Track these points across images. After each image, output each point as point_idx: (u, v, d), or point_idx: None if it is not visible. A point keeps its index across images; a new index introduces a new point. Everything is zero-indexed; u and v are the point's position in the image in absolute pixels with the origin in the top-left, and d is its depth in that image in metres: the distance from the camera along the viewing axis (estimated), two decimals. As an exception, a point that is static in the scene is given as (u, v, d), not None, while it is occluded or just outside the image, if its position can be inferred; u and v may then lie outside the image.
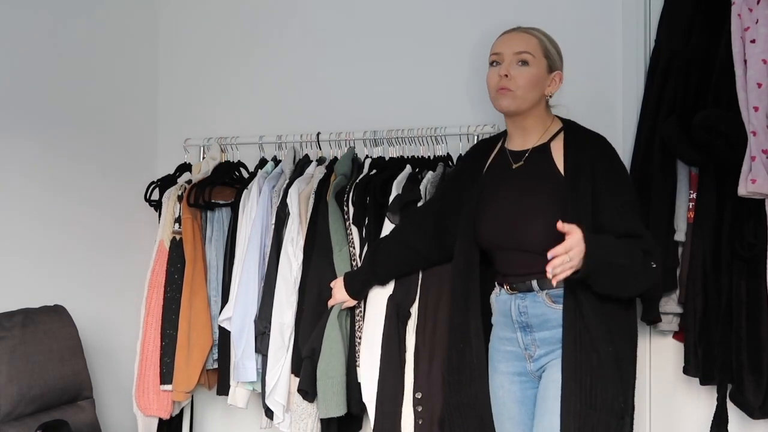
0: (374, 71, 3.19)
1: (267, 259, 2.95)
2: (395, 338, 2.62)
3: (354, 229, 2.79)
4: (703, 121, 2.44)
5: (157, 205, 3.27)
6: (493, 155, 2.45)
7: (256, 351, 2.94)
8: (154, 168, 3.54)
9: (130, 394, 3.15)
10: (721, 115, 2.43)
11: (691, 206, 2.59)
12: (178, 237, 3.12)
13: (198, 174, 3.24)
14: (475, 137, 2.79)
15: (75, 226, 3.20)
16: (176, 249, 3.12)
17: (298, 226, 2.88)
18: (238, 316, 2.95)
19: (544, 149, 2.33)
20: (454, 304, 2.44)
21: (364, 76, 3.21)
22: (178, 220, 3.13)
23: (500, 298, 2.36)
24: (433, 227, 2.55)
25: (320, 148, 3.11)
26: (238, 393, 3.00)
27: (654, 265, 2.16)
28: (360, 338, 2.72)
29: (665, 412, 2.76)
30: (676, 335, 2.69)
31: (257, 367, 2.94)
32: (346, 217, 2.80)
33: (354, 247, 2.79)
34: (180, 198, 3.14)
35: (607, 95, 2.82)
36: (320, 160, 3.08)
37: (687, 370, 2.58)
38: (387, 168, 2.88)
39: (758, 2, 2.40)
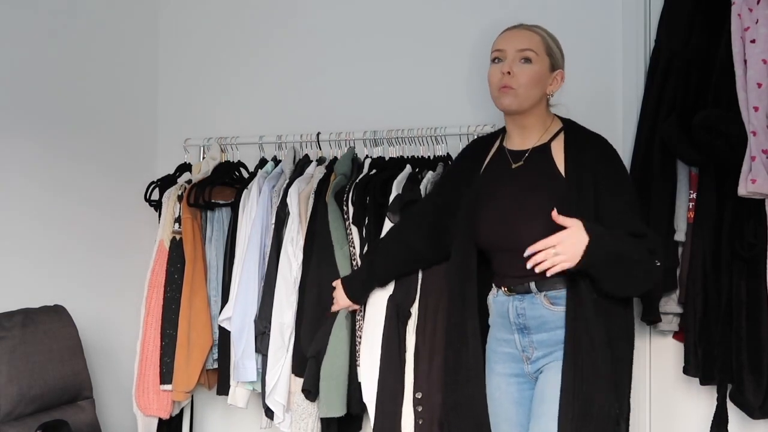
0: (374, 71, 3.19)
1: (267, 259, 2.95)
2: (395, 338, 2.62)
3: (354, 229, 2.80)
4: (703, 121, 2.44)
5: (157, 205, 3.27)
6: (491, 154, 2.43)
7: (256, 351, 2.94)
8: (154, 168, 3.54)
9: (130, 394, 3.15)
10: (721, 115, 2.43)
11: (691, 206, 2.59)
12: (178, 237, 3.12)
13: (198, 174, 3.24)
14: (475, 137, 2.79)
15: (75, 226, 3.20)
16: (176, 249, 3.12)
17: (297, 225, 2.88)
18: (238, 315, 2.95)
19: (544, 149, 2.31)
20: (451, 304, 2.42)
21: (364, 76, 3.21)
22: (178, 220, 3.13)
23: (498, 300, 2.35)
24: (431, 225, 2.54)
25: (320, 148, 3.11)
26: (238, 393, 3.00)
27: (658, 264, 2.15)
28: (360, 338, 2.72)
29: (665, 412, 2.76)
30: (676, 335, 2.69)
31: (257, 367, 2.94)
32: (345, 216, 2.80)
33: (354, 247, 2.79)
34: (180, 198, 3.14)
35: (607, 95, 2.82)
36: (320, 160, 3.08)
37: (687, 370, 2.58)
38: (387, 168, 2.88)
39: (758, 2, 2.40)
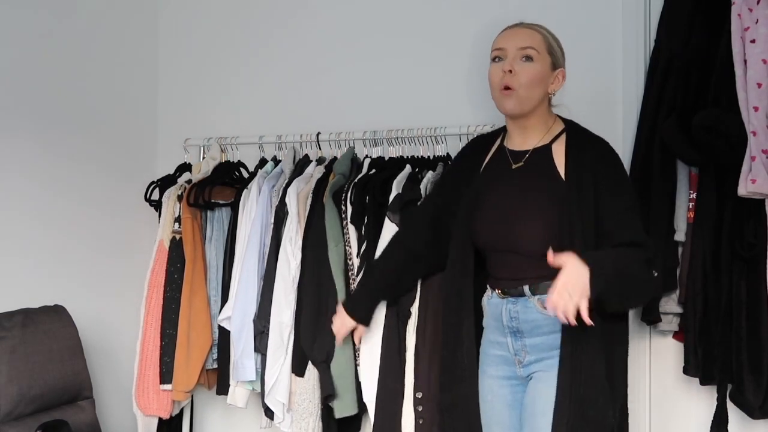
0: (374, 71, 3.18)
1: (266, 259, 2.95)
2: (395, 338, 2.62)
3: (351, 228, 2.79)
4: (703, 121, 2.44)
5: (157, 205, 3.27)
6: (491, 153, 2.41)
7: (255, 350, 2.94)
8: (154, 168, 3.54)
9: (130, 393, 3.15)
10: (721, 115, 2.43)
11: (691, 206, 2.59)
12: (177, 237, 3.12)
13: (198, 174, 3.24)
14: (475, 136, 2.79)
15: (75, 226, 3.20)
16: (176, 249, 3.12)
17: (296, 225, 2.88)
18: (238, 315, 2.95)
19: (545, 151, 2.29)
20: (447, 304, 2.40)
21: (363, 76, 3.21)
22: (178, 219, 3.13)
23: (492, 302, 2.32)
24: (431, 226, 2.49)
25: (320, 148, 3.11)
26: (238, 392, 3.01)
27: (656, 274, 2.13)
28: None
29: (665, 412, 2.76)
30: (676, 335, 2.69)
31: (256, 367, 2.94)
32: (343, 216, 2.80)
33: (350, 246, 2.79)
34: (180, 198, 3.14)
35: (607, 95, 2.81)
36: (320, 160, 3.08)
37: (687, 370, 2.58)
38: (386, 168, 2.88)
39: (758, 2, 2.40)
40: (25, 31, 3.03)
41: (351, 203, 2.79)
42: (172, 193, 3.18)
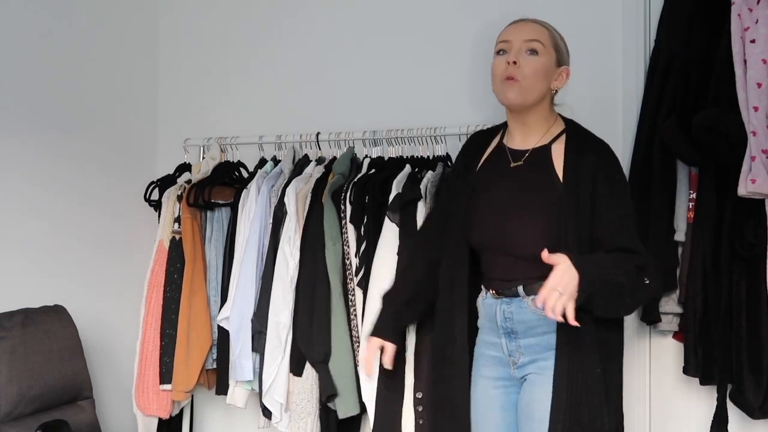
0: (374, 71, 3.18)
1: (265, 259, 2.95)
2: (395, 338, 2.62)
3: (350, 227, 2.79)
4: (703, 121, 2.44)
5: (157, 205, 3.27)
6: (490, 150, 2.38)
7: (253, 350, 2.94)
8: (154, 168, 3.54)
9: (129, 393, 3.15)
10: (721, 115, 2.43)
11: (691, 206, 2.59)
12: (177, 237, 3.12)
13: (198, 174, 3.24)
14: (475, 136, 2.79)
15: (75, 226, 3.20)
16: (176, 249, 3.12)
17: (295, 225, 2.88)
18: (236, 315, 2.95)
19: (544, 151, 2.26)
20: (441, 302, 2.37)
21: (363, 76, 3.20)
22: (177, 219, 3.13)
23: (486, 302, 2.30)
24: (441, 234, 2.40)
25: (320, 148, 3.11)
26: (237, 392, 3.01)
27: (647, 281, 2.09)
28: (360, 338, 2.72)
29: (665, 412, 2.76)
30: (676, 335, 2.69)
31: (254, 367, 2.94)
32: (342, 215, 2.80)
33: (348, 246, 2.79)
34: (180, 198, 3.14)
35: (607, 95, 2.81)
36: (319, 160, 3.08)
37: (687, 370, 2.57)
38: (386, 168, 2.88)
39: (758, 2, 2.40)
40: (25, 31, 3.03)
41: (350, 203, 2.79)
42: (171, 193, 3.18)
